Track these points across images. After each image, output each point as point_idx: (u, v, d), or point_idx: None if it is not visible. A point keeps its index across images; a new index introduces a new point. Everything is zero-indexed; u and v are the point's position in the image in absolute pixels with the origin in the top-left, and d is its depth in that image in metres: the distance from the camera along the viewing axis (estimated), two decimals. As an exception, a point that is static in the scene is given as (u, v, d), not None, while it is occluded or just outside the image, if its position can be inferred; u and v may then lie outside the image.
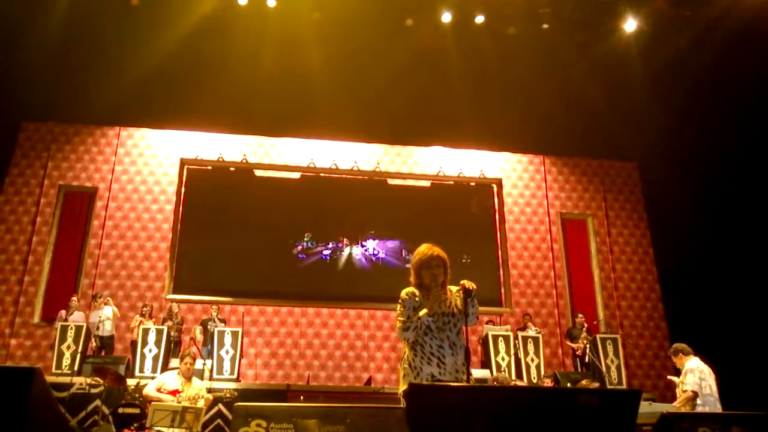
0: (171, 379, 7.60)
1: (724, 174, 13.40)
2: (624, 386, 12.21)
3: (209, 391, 8.23)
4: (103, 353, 12.00)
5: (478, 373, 11.59)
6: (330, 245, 14.77)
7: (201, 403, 7.44)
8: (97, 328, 12.06)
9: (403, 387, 4.00)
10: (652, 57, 13.46)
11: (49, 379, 9.81)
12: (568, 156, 16.16)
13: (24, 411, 2.99)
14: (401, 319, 4.16)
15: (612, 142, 15.30)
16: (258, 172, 15.22)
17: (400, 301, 4.23)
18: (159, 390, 7.43)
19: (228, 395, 8.21)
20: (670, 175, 14.40)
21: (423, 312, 4.12)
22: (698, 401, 6.91)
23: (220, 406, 9.72)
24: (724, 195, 13.58)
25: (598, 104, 13.80)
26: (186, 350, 8.57)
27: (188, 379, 7.61)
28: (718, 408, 6.92)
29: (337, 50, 13.31)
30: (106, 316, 12.15)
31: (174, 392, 7.36)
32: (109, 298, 12.55)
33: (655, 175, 15.29)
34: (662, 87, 13.61)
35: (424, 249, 4.32)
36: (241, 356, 12.29)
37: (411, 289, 4.28)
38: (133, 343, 12.07)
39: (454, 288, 4.29)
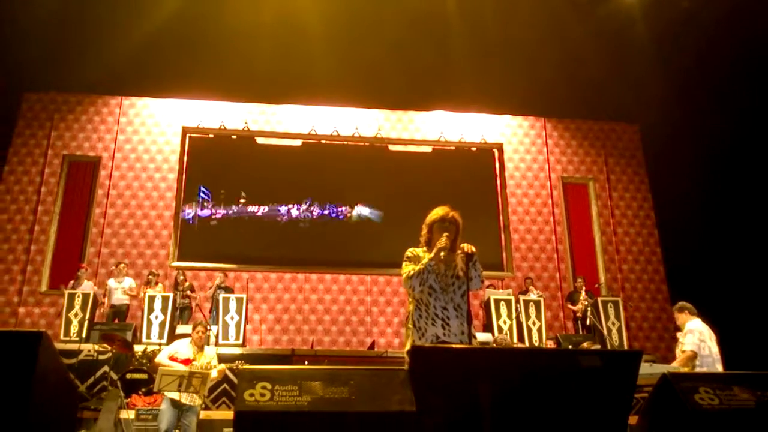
0: (183, 348, 7.65)
1: (727, 136, 13.34)
2: (625, 348, 12.30)
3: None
4: (116, 321, 12.09)
5: (480, 336, 11.63)
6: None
7: (214, 374, 7.52)
8: (104, 295, 12.17)
9: (408, 347, 4.06)
10: (654, 18, 13.29)
11: (58, 346, 9.89)
12: (570, 119, 16.10)
13: (31, 374, 3.03)
14: (407, 269, 4.22)
15: (613, 105, 15.22)
16: (260, 140, 15.20)
17: (405, 258, 4.32)
18: (171, 358, 7.49)
19: (238, 366, 8.27)
20: (672, 138, 14.36)
21: (426, 258, 4.17)
22: (696, 362, 6.98)
23: (227, 371, 9.82)
24: (726, 157, 13.54)
25: (599, 66, 13.66)
26: (199, 319, 8.64)
27: (200, 348, 7.68)
28: (717, 369, 6.99)
29: (337, 15, 13.15)
30: (122, 287, 12.25)
31: (186, 361, 7.42)
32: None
33: (657, 138, 15.23)
34: (664, 49, 13.49)
35: (441, 208, 4.37)
36: (246, 322, 12.38)
37: (415, 249, 4.36)
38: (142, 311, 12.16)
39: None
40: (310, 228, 14.65)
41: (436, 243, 4.20)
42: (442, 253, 4.16)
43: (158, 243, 14.04)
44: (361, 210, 14.94)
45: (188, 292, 12.55)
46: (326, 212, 14.83)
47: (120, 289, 12.23)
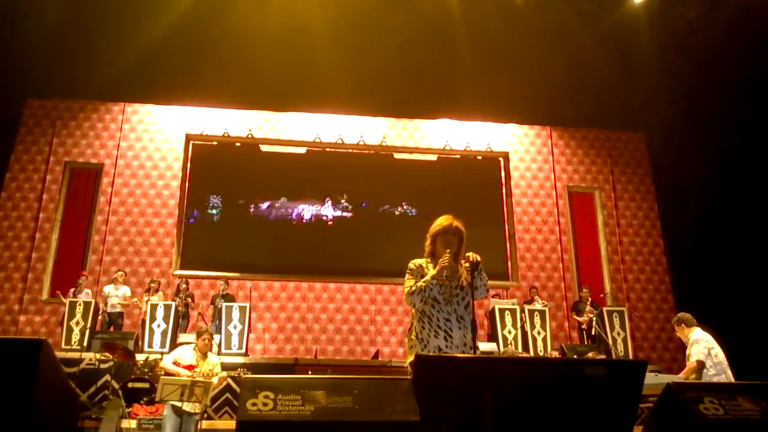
0: (187, 354, 7.68)
1: (733, 145, 13.29)
2: (630, 358, 12.23)
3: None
4: (112, 329, 12.09)
5: (484, 346, 11.64)
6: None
7: (215, 381, 7.52)
8: (105, 303, 12.17)
9: (410, 358, 4.02)
10: (660, 26, 13.28)
11: (59, 354, 9.88)
12: (575, 128, 16.07)
13: (32, 383, 3.00)
14: (408, 284, 4.18)
15: (619, 114, 15.17)
16: (264, 147, 15.19)
17: (408, 270, 4.28)
18: (175, 363, 7.52)
19: (240, 374, 8.25)
20: (678, 146, 14.31)
21: (428, 275, 4.14)
22: (711, 371, 6.95)
23: (229, 379, 9.79)
24: (733, 166, 13.49)
25: (605, 75, 13.62)
26: (204, 327, 8.66)
27: (204, 354, 7.68)
28: (729, 375, 6.97)
29: (342, 22, 13.12)
30: (117, 295, 12.25)
31: (189, 367, 7.43)
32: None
33: (663, 147, 15.19)
34: (670, 57, 13.46)
35: (444, 218, 4.34)
36: (249, 331, 12.35)
37: (418, 260, 4.31)
38: (143, 320, 12.14)
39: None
40: (314, 235, 14.60)
41: (439, 256, 4.17)
42: (446, 272, 4.12)
43: (161, 251, 14.01)
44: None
45: (188, 300, 12.52)
46: (346, 214, 14.86)
47: (115, 296, 12.24)
